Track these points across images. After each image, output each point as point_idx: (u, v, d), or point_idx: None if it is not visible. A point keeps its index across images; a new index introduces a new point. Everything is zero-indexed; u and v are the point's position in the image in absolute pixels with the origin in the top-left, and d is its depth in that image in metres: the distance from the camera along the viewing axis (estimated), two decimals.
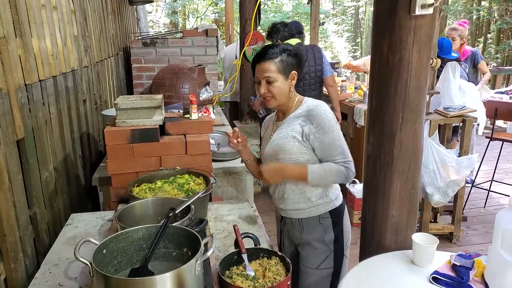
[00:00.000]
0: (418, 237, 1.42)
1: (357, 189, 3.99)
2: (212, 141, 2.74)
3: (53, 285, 1.44)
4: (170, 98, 3.50)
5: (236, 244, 1.53)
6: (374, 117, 1.50)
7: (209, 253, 1.18)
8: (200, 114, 2.29)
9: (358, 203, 3.95)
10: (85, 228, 1.85)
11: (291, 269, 1.41)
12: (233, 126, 4.85)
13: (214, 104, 4.24)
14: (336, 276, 1.80)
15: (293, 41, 3.64)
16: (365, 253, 1.63)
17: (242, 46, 4.42)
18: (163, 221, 1.36)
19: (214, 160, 2.62)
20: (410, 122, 1.41)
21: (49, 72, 2.10)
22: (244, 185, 2.61)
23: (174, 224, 1.39)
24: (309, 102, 1.70)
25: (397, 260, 1.44)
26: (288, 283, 1.36)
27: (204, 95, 3.72)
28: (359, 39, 18.03)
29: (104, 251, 1.26)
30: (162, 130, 2.11)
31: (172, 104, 3.31)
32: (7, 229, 1.58)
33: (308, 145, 1.64)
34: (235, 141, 1.78)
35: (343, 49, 17.77)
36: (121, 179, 1.98)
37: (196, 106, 2.17)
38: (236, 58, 4.67)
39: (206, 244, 1.28)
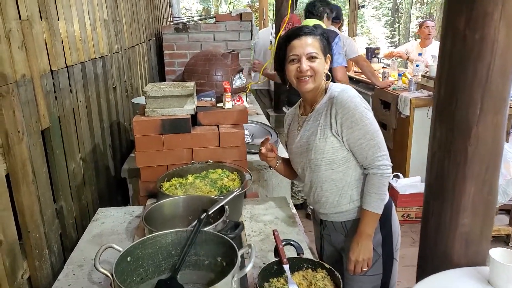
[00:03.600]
0: (497, 254, 1.17)
1: (401, 184, 3.70)
2: (246, 132, 2.56)
3: None
4: (203, 85, 3.35)
5: (276, 252, 1.35)
6: (443, 107, 1.25)
7: (247, 270, 1.00)
8: (233, 103, 2.11)
9: (402, 199, 3.67)
10: (112, 225, 1.73)
11: (341, 285, 1.21)
12: (267, 115, 4.65)
13: (247, 92, 4.05)
14: (385, 282, 1.59)
15: (311, 22, 3.29)
16: (426, 266, 1.41)
17: (277, 30, 4.18)
18: (194, 224, 1.20)
19: (248, 153, 2.44)
20: (491, 113, 1.16)
21: (77, 58, 1.98)
22: (280, 180, 2.42)
23: (206, 229, 1.22)
24: (333, 89, 1.49)
25: (470, 279, 1.21)
26: None
27: (238, 82, 3.53)
28: (397, 24, 17.20)
29: (129, 258, 1.11)
30: (194, 120, 1.95)
31: (204, 92, 3.15)
32: (31, 225, 1.47)
33: (341, 140, 1.45)
34: (267, 152, 1.64)
35: (380, 35, 17.02)
36: (150, 172, 1.84)
37: (230, 94, 1.99)
38: (270, 43, 4.44)
39: (242, 255, 1.10)
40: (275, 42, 4.27)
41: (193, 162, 1.83)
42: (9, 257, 1.32)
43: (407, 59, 4.98)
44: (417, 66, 4.36)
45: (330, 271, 1.28)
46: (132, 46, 3.19)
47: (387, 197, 1.50)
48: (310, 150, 1.49)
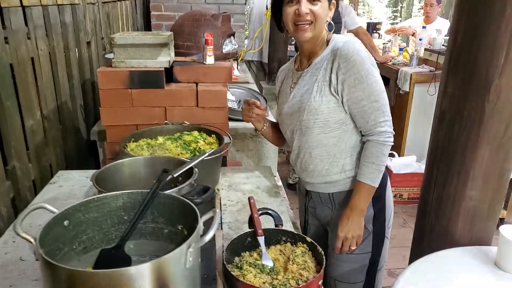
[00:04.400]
0: (508, 231, 0.99)
1: (395, 163, 3.52)
2: (232, 97, 2.34)
3: (13, 259, 1.12)
4: (189, 48, 3.09)
5: (251, 222, 1.15)
6: (458, 56, 1.04)
7: (207, 238, 0.80)
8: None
9: (395, 179, 3.49)
10: (71, 189, 1.52)
11: (324, 262, 1.02)
12: (259, 86, 4.41)
13: (239, 60, 3.80)
14: (374, 262, 1.41)
15: None
16: (422, 244, 1.22)
17: None
18: (152, 186, 0.99)
19: (232, 119, 2.23)
20: None
21: None
22: (266, 151, 2.22)
23: (166, 192, 1.02)
24: (337, 39, 1.30)
25: (473, 259, 1.02)
26: (320, 282, 0.97)
27: (228, 47, 3.28)
28: (400, 6, 16.77)
29: (66, 222, 0.91)
30: (170, 75, 1.72)
31: (191, 55, 2.91)
32: None
33: (339, 99, 1.27)
34: (251, 108, 1.42)
35: (382, 15, 16.61)
36: (118, 132, 1.63)
37: (212, 48, 1.75)
38: (266, 8, 4.16)
39: (208, 222, 0.90)
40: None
41: (166, 123, 1.61)
42: None
43: (413, 34, 4.72)
44: (420, 40, 4.13)
45: (311, 245, 1.09)
46: (112, 1, 2.91)
47: (384, 169, 1.31)
48: (303, 110, 1.30)
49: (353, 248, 1.33)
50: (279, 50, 4.33)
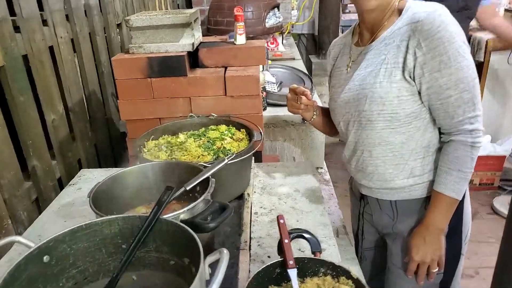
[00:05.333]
0: None
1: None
2: (272, 78, 2.08)
3: None
4: (230, 24, 2.86)
5: (280, 248, 0.92)
6: None
7: None
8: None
9: (480, 163, 3.03)
10: None
11: None
12: (308, 61, 4.07)
13: (285, 34, 3.49)
14: (446, 285, 1.15)
15: None
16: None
17: None
18: (152, 210, 0.80)
19: (273, 105, 1.98)
20: None
21: None
22: (311, 140, 1.95)
23: (169, 216, 0.82)
24: (414, 7, 1.02)
25: None
26: None
27: (272, 20, 2.99)
28: None
29: (46, 258, 0.74)
30: (196, 59, 1.50)
31: (231, 33, 2.67)
32: None
33: (415, 87, 1.01)
34: (297, 97, 1.18)
35: None
36: (139, 127, 1.46)
37: (242, 25, 1.50)
38: None
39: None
40: None
41: (191, 116, 1.40)
42: None
43: None
44: None
45: (358, 284, 0.84)
46: None
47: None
48: (364, 98, 1.06)
49: (434, 271, 1.10)
50: (330, 20, 3.92)
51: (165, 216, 0.81)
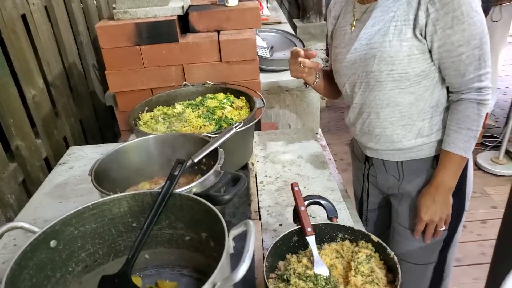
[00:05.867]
0: None
1: None
2: (262, 43, 1.99)
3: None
4: None
5: (296, 216, 0.89)
6: None
7: (238, 275, 0.54)
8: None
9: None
10: (83, 170, 1.31)
11: (399, 272, 0.76)
12: (292, 25, 3.95)
13: None
14: (449, 240, 1.17)
15: None
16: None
17: None
18: (164, 185, 0.74)
19: (264, 71, 1.90)
20: None
21: None
22: (306, 105, 1.90)
23: (182, 190, 0.77)
24: None
25: None
26: None
27: None
28: None
29: (53, 243, 0.69)
30: (186, 24, 1.40)
31: None
32: None
33: (427, 45, 0.96)
34: (301, 66, 1.07)
35: None
36: (130, 98, 1.37)
37: None
38: None
39: (243, 234, 0.64)
40: None
41: (185, 84, 1.32)
42: None
43: None
44: None
45: (379, 246, 0.83)
46: None
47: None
48: (372, 58, 1.01)
49: (441, 229, 1.10)
50: None
51: (177, 191, 0.76)
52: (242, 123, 0.96)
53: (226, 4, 1.43)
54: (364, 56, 1.02)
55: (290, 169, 1.27)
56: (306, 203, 0.90)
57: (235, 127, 0.93)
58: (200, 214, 0.73)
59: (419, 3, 0.93)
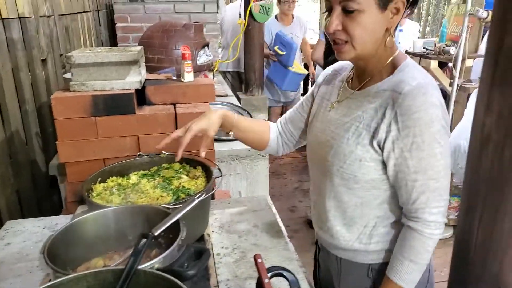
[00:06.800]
0: None
1: None
2: None
3: None
4: (161, 62, 2.82)
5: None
6: (509, 64, 0.84)
7: None
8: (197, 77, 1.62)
9: None
10: (22, 246, 1.21)
11: None
12: (237, 98, 4.17)
13: (215, 71, 3.55)
14: None
15: None
16: None
17: (247, 1, 3.68)
18: (128, 261, 0.72)
19: (215, 140, 1.96)
20: None
21: None
22: (256, 173, 1.97)
23: (143, 266, 0.75)
24: (406, 73, 0.91)
25: None
26: None
27: (203, 58, 3.02)
28: None
29: None
30: (142, 97, 1.45)
31: (162, 70, 2.64)
32: None
33: (381, 159, 0.93)
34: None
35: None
36: (81, 169, 1.33)
37: (190, 63, 1.50)
38: (239, 17, 3.93)
39: None
40: (245, 15, 3.77)
41: (139, 155, 1.33)
42: None
43: None
44: (398, 43, 4.02)
45: None
46: (71, 13, 2.59)
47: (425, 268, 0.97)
48: (330, 148, 0.98)
49: None
50: (255, 59, 4.11)
51: (141, 267, 0.74)
52: (204, 193, 0.98)
53: (182, 80, 1.51)
54: (326, 142, 1.01)
55: (247, 239, 1.28)
56: (269, 274, 0.91)
57: (197, 198, 0.94)
58: None
59: (384, 115, 0.89)
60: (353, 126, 0.95)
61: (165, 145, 1.07)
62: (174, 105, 1.46)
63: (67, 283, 0.70)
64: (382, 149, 0.91)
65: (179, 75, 1.66)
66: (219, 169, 1.25)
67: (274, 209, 2.02)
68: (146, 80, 1.51)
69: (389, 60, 0.94)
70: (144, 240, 0.76)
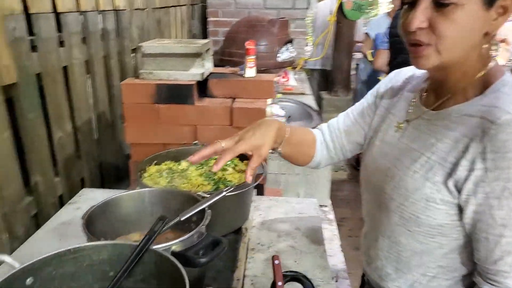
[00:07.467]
0: None
1: None
2: (280, 112, 2.09)
3: None
4: (243, 57, 2.91)
5: None
6: None
7: None
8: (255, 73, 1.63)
9: None
10: None
11: None
12: (318, 98, 4.10)
13: (297, 69, 3.54)
14: None
15: None
16: None
17: None
18: (142, 239, 0.78)
19: None
20: None
21: (74, 5, 1.63)
22: (317, 177, 1.93)
23: (161, 246, 0.80)
24: (504, 96, 0.71)
25: None
26: None
27: (284, 55, 3.04)
28: None
29: (29, 280, 0.72)
30: (205, 89, 1.52)
31: (242, 65, 2.73)
32: None
33: (457, 203, 0.75)
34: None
35: None
36: (143, 150, 1.46)
37: (253, 58, 1.52)
38: (330, 13, 3.85)
39: None
40: (335, 11, 3.68)
41: (195, 143, 1.40)
42: None
43: (502, 41, 4.07)
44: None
45: None
46: (165, 7, 2.82)
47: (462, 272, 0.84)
48: (390, 178, 0.84)
49: None
50: (343, 58, 3.99)
51: (156, 247, 0.79)
52: (234, 187, 1.00)
53: (244, 75, 1.55)
54: (386, 169, 0.84)
55: (285, 239, 1.27)
56: (285, 278, 0.89)
57: (225, 191, 0.96)
58: (172, 273, 0.75)
59: (467, 148, 0.71)
60: (423, 157, 0.78)
61: (201, 158, 0.90)
62: (233, 99, 1.51)
63: (90, 248, 0.78)
64: (459, 191, 0.73)
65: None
66: (263, 166, 1.25)
67: (332, 215, 1.97)
68: (211, 73, 1.58)
69: (480, 75, 0.75)
70: (161, 222, 0.81)
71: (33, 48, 1.40)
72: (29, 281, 0.72)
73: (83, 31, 1.71)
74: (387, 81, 0.98)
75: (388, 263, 0.90)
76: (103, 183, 2.00)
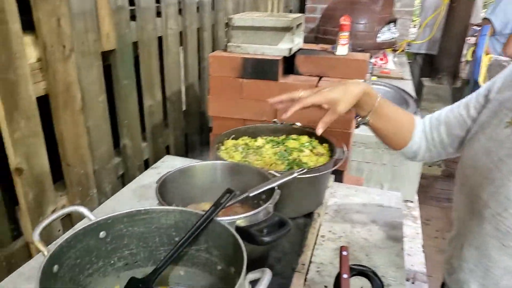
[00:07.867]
0: None
1: None
2: None
3: None
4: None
5: (337, 284, 0.82)
6: None
7: None
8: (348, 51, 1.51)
9: None
10: None
11: None
12: (419, 84, 3.75)
13: (398, 51, 3.27)
14: None
15: None
16: None
17: None
18: (208, 210, 0.77)
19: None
20: None
21: None
22: (406, 169, 1.76)
23: (226, 219, 0.78)
24: None
25: None
26: None
27: (385, 35, 2.82)
28: None
29: (102, 233, 0.77)
30: (291, 65, 1.46)
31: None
32: (74, 159, 1.29)
33: None
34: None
35: None
36: (224, 124, 1.46)
37: (346, 34, 1.41)
38: None
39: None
40: None
41: (274, 121, 1.36)
42: (34, 189, 1.15)
43: None
44: None
45: None
46: None
47: None
48: (488, 180, 0.73)
49: None
50: (453, 42, 3.56)
51: (221, 219, 0.78)
52: (307, 170, 0.94)
53: (335, 52, 1.44)
54: (487, 170, 0.73)
55: (359, 231, 1.18)
56: (352, 272, 0.82)
57: (297, 172, 0.91)
58: (233, 247, 0.73)
59: None
60: None
61: (279, 101, 0.94)
62: (320, 78, 1.42)
63: (159, 212, 0.80)
64: None
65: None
66: (343, 150, 1.17)
67: (417, 212, 1.79)
68: (300, 49, 1.50)
69: None
70: (228, 194, 0.79)
71: (132, 18, 1.48)
72: (102, 234, 0.76)
73: (180, 2, 1.77)
74: (507, 73, 0.81)
75: (473, 277, 0.79)
76: (187, 152, 2.09)
